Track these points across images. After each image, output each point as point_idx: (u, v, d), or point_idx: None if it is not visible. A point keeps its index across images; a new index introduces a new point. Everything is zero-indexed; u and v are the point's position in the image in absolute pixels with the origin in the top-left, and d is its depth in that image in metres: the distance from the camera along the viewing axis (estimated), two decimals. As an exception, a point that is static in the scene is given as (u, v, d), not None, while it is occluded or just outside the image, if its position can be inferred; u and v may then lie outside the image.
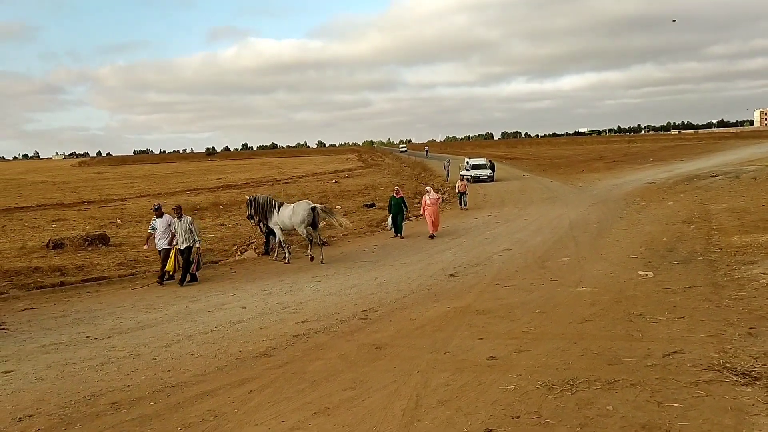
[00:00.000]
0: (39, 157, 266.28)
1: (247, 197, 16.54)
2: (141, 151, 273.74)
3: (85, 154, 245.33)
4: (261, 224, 16.27)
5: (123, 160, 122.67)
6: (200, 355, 7.62)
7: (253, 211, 15.87)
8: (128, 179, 58.15)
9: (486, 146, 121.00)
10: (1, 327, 9.76)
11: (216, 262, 15.53)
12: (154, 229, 13.36)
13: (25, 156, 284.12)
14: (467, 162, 41.08)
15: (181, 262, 13.12)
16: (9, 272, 14.79)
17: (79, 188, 49.43)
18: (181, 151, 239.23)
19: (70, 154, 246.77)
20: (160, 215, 13.33)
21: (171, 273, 13.02)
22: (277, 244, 15.88)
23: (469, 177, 36.37)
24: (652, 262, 12.04)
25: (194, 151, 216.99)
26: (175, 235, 13.14)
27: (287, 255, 15.36)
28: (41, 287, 13.21)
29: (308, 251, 15.21)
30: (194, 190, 41.52)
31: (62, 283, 13.52)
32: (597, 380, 5.87)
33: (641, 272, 11.06)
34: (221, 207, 28.86)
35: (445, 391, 5.88)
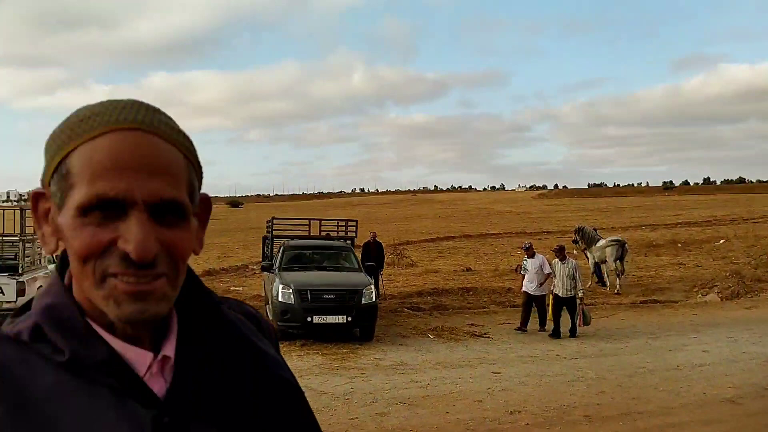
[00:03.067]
0: (504, 188, 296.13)
1: (577, 226, 19.33)
2: (595, 185, 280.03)
3: (544, 187, 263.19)
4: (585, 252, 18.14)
5: (579, 192, 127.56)
6: (663, 389, 7.95)
7: (579, 237, 18.26)
8: (583, 212, 60.40)
9: None
10: (486, 335, 11.75)
11: (675, 302, 15.40)
12: (525, 270, 12.26)
13: (493, 188, 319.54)
14: None
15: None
16: (488, 290, 17.41)
17: (539, 218, 53.64)
18: (635, 185, 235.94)
19: (531, 187, 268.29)
20: (531, 255, 12.26)
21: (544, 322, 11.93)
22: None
23: None
24: None
25: (650, 185, 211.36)
26: (545, 280, 11.89)
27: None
28: (514, 306, 15.24)
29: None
30: (649, 225, 40.87)
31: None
32: None
33: None
34: (679, 245, 27.91)
35: None
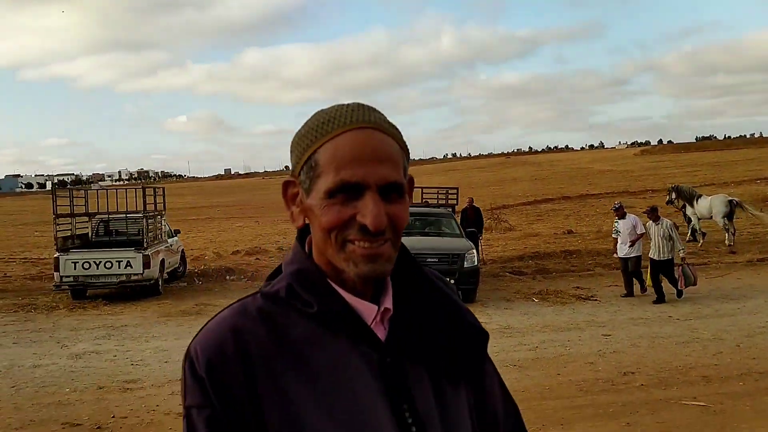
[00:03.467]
0: (603, 146, 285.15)
1: (671, 185, 19.00)
2: (703, 138, 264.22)
3: (647, 143, 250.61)
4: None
5: (685, 147, 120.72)
6: (786, 349, 7.64)
7: (675, 196, 17.87)
8: (691, 167, 57.30)
9: None
10: (594, 298, 11.59)
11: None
12: (618, 233, 11.75)
13: (591, 146, 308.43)
14: None
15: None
16: (592, 252, 17.06)
17: (642, 176, 51.35)
18: (748, 136, 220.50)
19: (632, 143, 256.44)
20: (621, 216, 11.71)
21: (647, 287, 11.38)
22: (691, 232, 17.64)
23: None
24: None
25: (763, 136, 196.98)
26: (637, 239, 11.41)
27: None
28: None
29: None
30: (765, 179, 38.29)
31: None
32: None
33: None
34: (799, 199, 26.11)
35: None
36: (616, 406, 5.95)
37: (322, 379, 0.96)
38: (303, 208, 1.01)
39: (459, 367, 1.05)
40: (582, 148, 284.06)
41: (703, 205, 16.99)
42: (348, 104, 1.01)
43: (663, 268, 10.99)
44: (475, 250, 12.05)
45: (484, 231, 17.00)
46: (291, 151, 1.03)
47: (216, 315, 1.03)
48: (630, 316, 10.02)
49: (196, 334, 1.01)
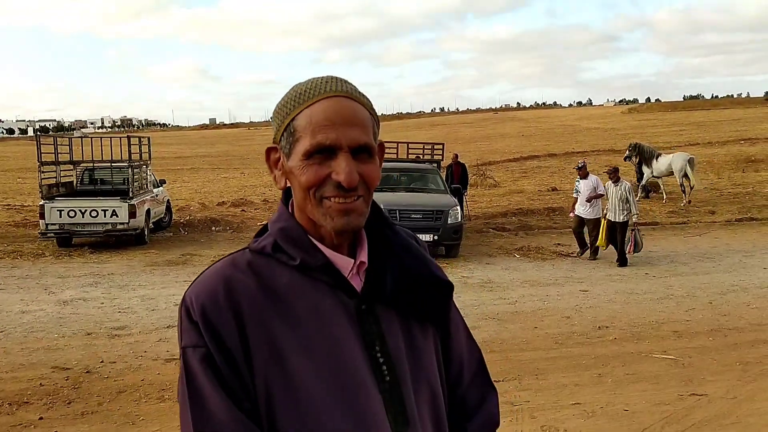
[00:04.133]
0: (591, 104, 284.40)
1: (632, 143, 19.29)
2: (691, 97, 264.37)
3: (635, 101, 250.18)
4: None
5: (673, 106, 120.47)
6: (756, 307, 7.93)
7: (635, 153, 18.45)
8: (677, 126, 57.56)
9: None
10: (574, 254, 11.79)
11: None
12: (578, 192, 11.59)
13: (579, 103, 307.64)
14: None
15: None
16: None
17: (629, 135, 51.38)
18: (735, 96, 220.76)
19: (620, 101, 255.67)
20: (584, 176, 11.44)
21: (603, 248, 11.18)
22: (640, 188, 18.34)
23: None
24: None
25: (750, 96, 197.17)
26: (592, 199, 11.18)
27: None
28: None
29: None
30: (749, 139, 38.63)
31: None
32: None
33: None
34: (781, 160, 26.45)
35: None
36: (588, 358, 6.19)
37: (304, 324, 1.08)
38: (284, 171, 1.13)
39: (426, 313, 1.19)
40: (570, 105, 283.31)
41: (663, 162, 17.91)
42: (322, 77, 1.13)
43: (618, 229, 10.78)
44: (459, 207, 12.19)
45: (468, 187, 17.12)
46: (272, 120, 1.15)
47: (208, 267, 1.15)
48: (608, 272, 10.28)
49: (191, 284, 1.12)
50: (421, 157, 15.83)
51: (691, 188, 17.63)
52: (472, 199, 18.06)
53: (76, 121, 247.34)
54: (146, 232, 13.18)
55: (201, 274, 1.14)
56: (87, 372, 5.91)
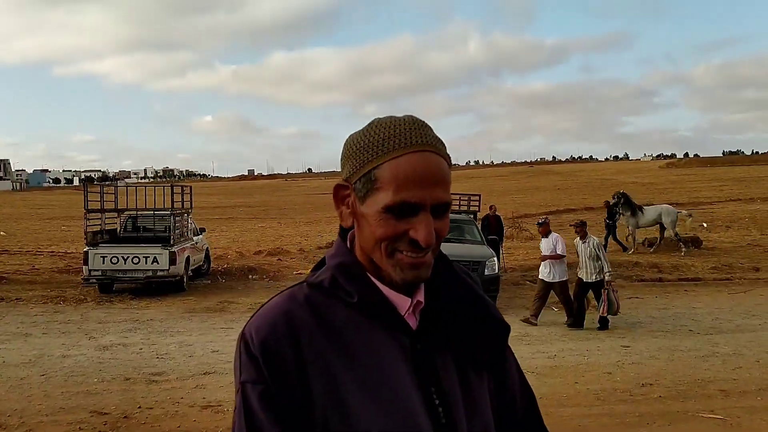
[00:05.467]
0: (628, 158, 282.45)
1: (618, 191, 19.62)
2: (731, 152, 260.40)
3: (673, 156, 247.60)
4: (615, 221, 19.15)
5: (711, 161, 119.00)
6: (808, 367, 7.61)
7: (622, 201, 18.67)
8: (717, 182, 56.64)
9: None
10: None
11: None
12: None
13: (615, 157, 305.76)
14: None
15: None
16: (613, 263, 16.90)
17: (667, 189, 50.83)
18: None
19: (658, 156, 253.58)
20: (545, 233, 10.56)
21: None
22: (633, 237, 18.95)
23: None
24: None
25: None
26: (549, 260, 10.28)
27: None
28: (642, 280, 14.84)
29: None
30: (793, 195, 37.75)
31: (660, 279, 14.88)
32: None
33: None
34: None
35: None
36: (632, 416, 5.99)
37: (360, 361, 1.08)
38: (354, 212, 1.12)
39: (482, 355, 1.18)
40: (606, 159, 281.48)
41: (650, 214, 18.61)
42: (403, 119, 1.11)
43: (593, 290, 10.05)
44: (496, 258, 12.11)
45: (504, 239, 17.04)
46: (345, 158, 1.13)
47: (267, 302, 1.15)
48: (650, 328, 10.01)
49: (249, 319, 1.13)
50: (458, 207, 15.85)
51: (665, 238, 18.71)
52: (508, 251, 17.91)
53: (120, 171, 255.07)
54: (185, 279, 13.38)
55: (260, 308, 1.14)
56: (125, 417, 5.94)
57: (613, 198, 19.38)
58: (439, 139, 1.12)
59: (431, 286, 1.17)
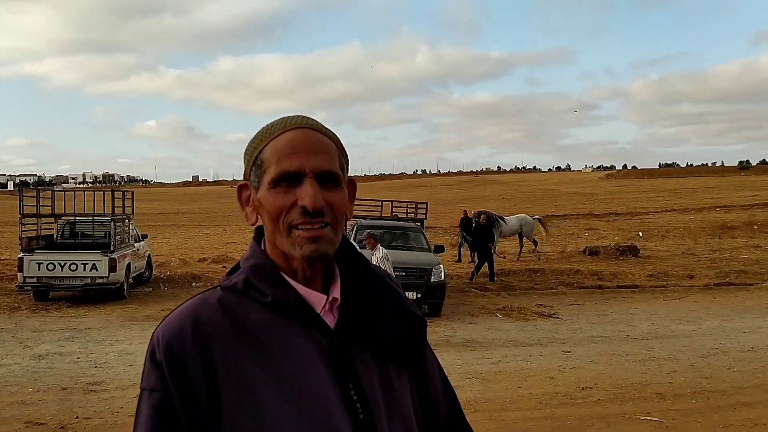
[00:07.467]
0: (570, 169, 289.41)
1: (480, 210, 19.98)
2: (667, 164, 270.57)
3: (612, 167, 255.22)
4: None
5: (648, 173, 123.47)
6: (737, 370, 7.95)
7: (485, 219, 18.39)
8: (653, 193, 58.74)
9: None
10: (556, 315, 11.86)
11: (751, 285, 15.08)
12: None
13: (558, 168, 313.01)
14: None
15: None
16: (555, 271, 17.39)
17: (607, 200, 52.47)
18: (710, 165, 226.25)
19: (598, 167, 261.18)
20: (372, 247, 10.39)
21: None
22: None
23: None
24: None
25: (725, 165, 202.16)
26: None
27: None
28: (582, 287, 15.25)
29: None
30: (724, 207, 39.44)
31: (600, 286, 15.32)
32: None
33: None
34: (755, 227, 26.99)
35: None
36: (573, 419, 6.14)
37: (275, 361, 1.06)
38: (255, 207, 1.14)
39: (401, 351, 1.17)
40: (549, 170, 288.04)
41: (512, 224, 19.95)
42: (290, 115, 1.16)
43: None
44: (441, 265, 12.22)
45: (449, 247, 17.31)
46: (244, 159, 1.16)
47: (178, 306, 1.12)
48: (590, 334, 10.28)
49: (159, 323, 1.10)
50: (405, 215, 15.96)
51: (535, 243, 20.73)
52: (452, 260, 18.12)
53: (57, 176, 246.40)
54: (126, 287, 13.02)
55: (169, 313, 1.11)
56: (61, 428, 5.74)
57: (476, 217, 18.82)
58: (326, 126, 1.15)
59: (347, 283, 1.16)
